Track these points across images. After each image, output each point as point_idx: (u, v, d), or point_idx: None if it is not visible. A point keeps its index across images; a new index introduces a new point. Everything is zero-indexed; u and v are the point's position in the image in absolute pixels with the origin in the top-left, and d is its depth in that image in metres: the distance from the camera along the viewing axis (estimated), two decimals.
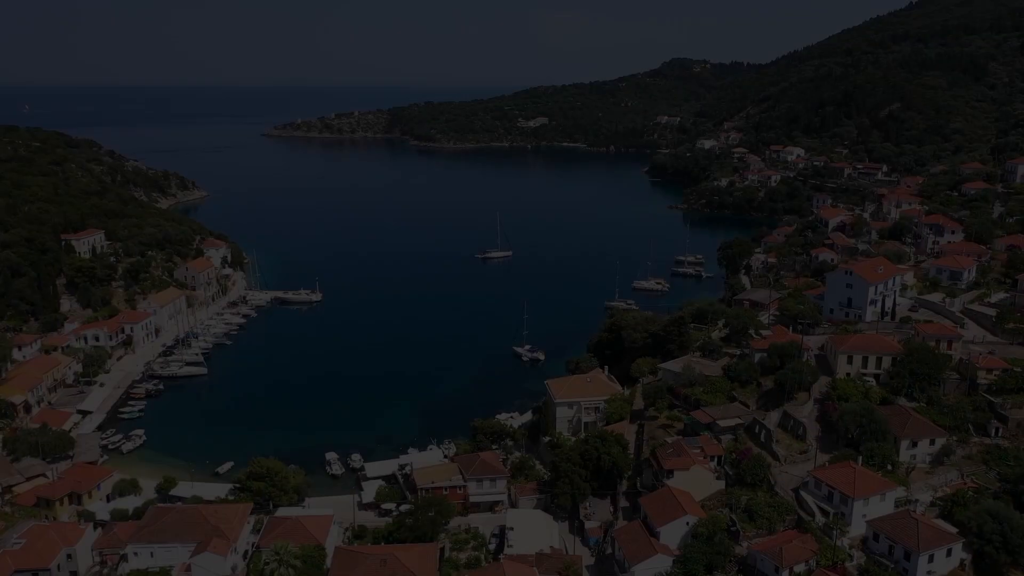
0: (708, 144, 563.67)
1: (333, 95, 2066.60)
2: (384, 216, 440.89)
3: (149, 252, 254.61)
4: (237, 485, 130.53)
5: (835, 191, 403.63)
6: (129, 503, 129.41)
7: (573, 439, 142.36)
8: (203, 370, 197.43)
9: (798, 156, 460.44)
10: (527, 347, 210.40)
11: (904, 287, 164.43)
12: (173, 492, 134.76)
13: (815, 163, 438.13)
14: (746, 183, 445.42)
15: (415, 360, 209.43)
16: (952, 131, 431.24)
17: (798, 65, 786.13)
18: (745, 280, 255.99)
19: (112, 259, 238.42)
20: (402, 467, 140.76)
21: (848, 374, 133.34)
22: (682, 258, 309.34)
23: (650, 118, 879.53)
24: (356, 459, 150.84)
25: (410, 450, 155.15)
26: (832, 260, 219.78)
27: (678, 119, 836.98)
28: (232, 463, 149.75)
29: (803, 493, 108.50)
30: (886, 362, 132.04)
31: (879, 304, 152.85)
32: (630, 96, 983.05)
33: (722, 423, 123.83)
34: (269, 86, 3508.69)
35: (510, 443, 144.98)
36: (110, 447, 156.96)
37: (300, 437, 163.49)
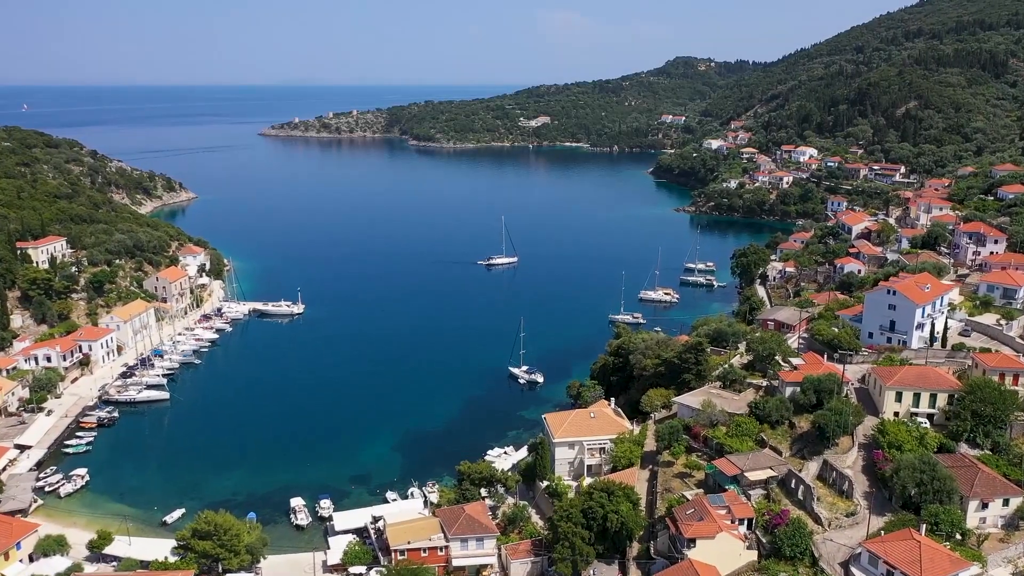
0: (715, 144, 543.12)
1: (333, 96, 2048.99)
2: (380, 219, 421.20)
3: (117, 261, 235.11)
4: (181, 543, 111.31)
5: (851, 193, 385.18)
6: (53, 565, 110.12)
7: (574, 484, 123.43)
8: (164, 395, 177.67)
9: (811, 157, 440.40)
10: (524, 368, 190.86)
11: (951, 307, 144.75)
12: (107, 550, 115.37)
13: (829, 164, 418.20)
14: (756, 184, 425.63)
15: (403, 382, 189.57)
16: (973, 130, 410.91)
17: (806, 63, 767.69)
18: (761, 291, 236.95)
19: (74, 269, 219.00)
20: (375, 519, 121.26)
21: (896, 414, 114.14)
22: (691, 265, 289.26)
23: (654, 117, 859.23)
24: (325, 506, 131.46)
25: (388, 494, 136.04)
26: (859, 271, 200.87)
27: (683, 118, 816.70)
28: (183, 510, 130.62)
29: (854, 569, 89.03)
30: (941, 400, 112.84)
31: (926, 328, 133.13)
32: (634, 95, 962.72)
33: (751, 475, 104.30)
34: (269, 86, 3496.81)
35: (502, 490, 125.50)
36: (47, 489, 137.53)
37: (266, 476, 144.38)
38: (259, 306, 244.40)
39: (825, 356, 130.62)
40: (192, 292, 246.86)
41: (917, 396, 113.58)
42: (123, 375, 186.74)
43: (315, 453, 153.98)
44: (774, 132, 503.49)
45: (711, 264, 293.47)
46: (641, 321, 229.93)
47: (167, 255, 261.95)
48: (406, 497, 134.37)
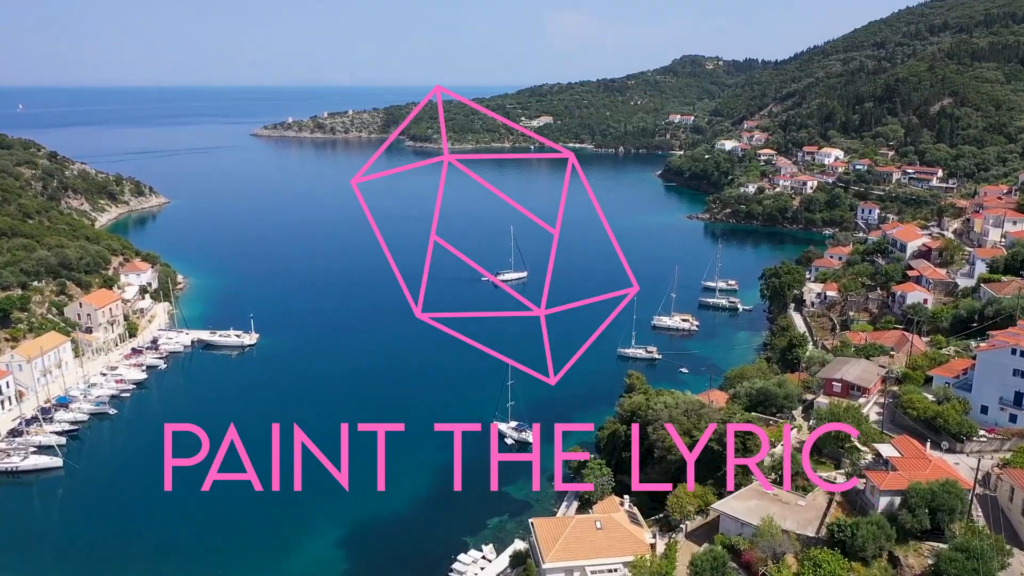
0: (729, 145, 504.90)
1: (336, 96, 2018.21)
2: (372, 226, 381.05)
3: (34, 283, 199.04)
4: None
5: (883, 199, 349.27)
6: None
7: None
8: (58, 461, 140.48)
9: (836, 159, 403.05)
10: (513, 425, 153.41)
11: None
12: None
13: (857, 167, 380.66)
14: (777, 189, 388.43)
15: (361, 443, 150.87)
16: (1017, 130, 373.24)
17: (821, 60, 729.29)
18: (797, 319, 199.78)
19: None
20: None
21: None
22: (711, 284, 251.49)
23: (661, 117, 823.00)
24: None
25: None
26: (926, 301, 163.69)
27: (692, 118, 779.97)
28: None
29: None
30: None
31: None
32: (640, 94, 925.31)
33: None
34: (271, 87, 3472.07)
35: None
36: None
37: None
38: (205, 336, 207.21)
39: (928, 444, 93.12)
40: (127, 319, 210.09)
41: None
42: (12, 432, 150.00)
43: (236, 548, 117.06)
44: (793, 132, 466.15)
45: (733, 283, 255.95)
46: (656, 356, 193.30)
47: (104, 274, 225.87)
48: None
